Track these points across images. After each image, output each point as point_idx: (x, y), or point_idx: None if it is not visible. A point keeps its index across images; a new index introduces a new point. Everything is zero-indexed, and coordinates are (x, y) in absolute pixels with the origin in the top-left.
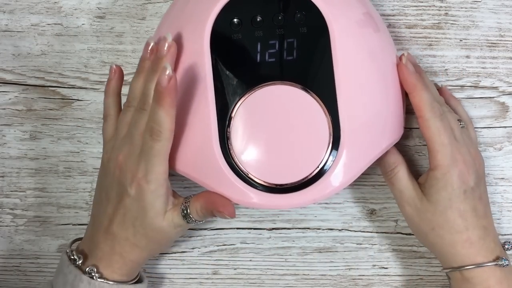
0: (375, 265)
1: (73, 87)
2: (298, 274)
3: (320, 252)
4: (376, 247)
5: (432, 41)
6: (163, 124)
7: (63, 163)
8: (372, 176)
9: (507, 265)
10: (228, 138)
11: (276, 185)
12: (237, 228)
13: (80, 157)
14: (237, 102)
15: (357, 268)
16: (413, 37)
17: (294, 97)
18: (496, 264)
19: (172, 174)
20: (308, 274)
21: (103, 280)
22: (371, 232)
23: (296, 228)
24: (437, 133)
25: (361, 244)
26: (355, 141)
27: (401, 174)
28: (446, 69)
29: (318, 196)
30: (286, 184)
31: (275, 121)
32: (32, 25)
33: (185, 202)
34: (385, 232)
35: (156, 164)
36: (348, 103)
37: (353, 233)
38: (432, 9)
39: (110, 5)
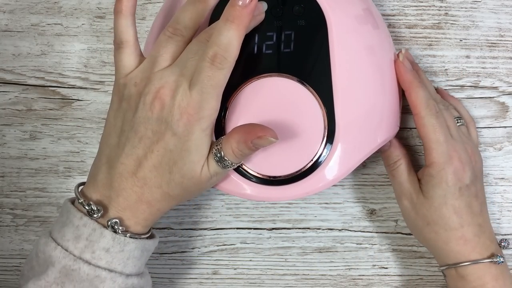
0: (375, 265)
1: (73, 87)
2: (298, 274)
3: (320, 252)
4: (376, 247)
5: (432, 41)
6: (230, 48)
7: (63, 163)
8: (372, 176)
9: (502, 262)
10: (223, 129)
11: (270, 177)
12: (237, 228)
13: (80, 157)
14: (234, 92)
15: (357, 268)
16: (413, 37)
17: (290, 90)
18: (491, 261)
19: None
20: (308, 274)
21: (127, 235)
22: (371, 232)
23: (296, 228)
24: (432, 131)
25: (361, 244)
26: (350, 135)
27: (403, 167)
28: (446, 69)
29: (311, 189)
30: (280, 176)
31: (270, 113)
32: (32, 25)
33: (217, 145)
34: (385, 232)
35: (213, 97)
36: (344, 97)
37: (353, 233)
38: (432, 9)
39: (110, 5)
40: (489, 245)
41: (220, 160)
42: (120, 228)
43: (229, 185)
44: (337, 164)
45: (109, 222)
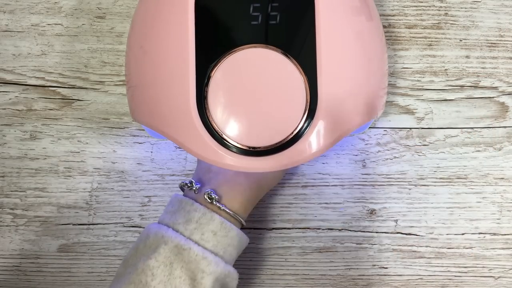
0: (375, 265)
1: (73, 87)
2: (298, 274)
3: (320, 252)
4: (376, 247)
5: (432, 41)
6: None
7: (63, 163)
8: (372, 176)
9: None
10: (205, 98)
11: (250, 147)
12: None
13: (80, 157)
14: (217, 62)
15: (357, 268)
16: (413, 37)
17: (275, 62)
18: None
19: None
20: (308, 274)
21: (221, 207)
22: (371, 232)
23: (296, 228)
24: None
25: (361, 244)
26: (331, 111)
27: None
28: (446, 69)
29: (290, 162)
30: (259, 148)
31: (253, 84)
32: (32, 25)
33: None
34: (385, 232)
35: None
36: (328, 74)
37: (353, 233)
38: (432, 9)
39: (110, 5)
40: None
41: None
42: (216, 197)
43: (209, 154)
44: (317, 139)
45: (205, 194)
